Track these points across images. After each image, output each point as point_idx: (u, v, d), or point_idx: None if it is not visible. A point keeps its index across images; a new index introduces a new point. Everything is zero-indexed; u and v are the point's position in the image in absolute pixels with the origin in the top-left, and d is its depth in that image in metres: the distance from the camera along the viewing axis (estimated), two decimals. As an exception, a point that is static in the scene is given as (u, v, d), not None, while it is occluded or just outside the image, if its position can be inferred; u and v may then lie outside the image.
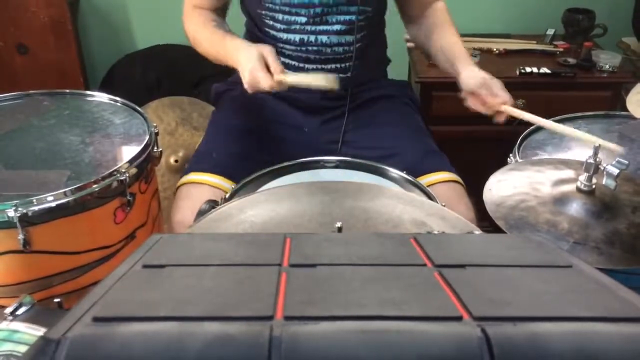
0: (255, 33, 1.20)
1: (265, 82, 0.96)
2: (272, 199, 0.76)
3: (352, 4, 1.12)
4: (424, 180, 1.08)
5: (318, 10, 1.11)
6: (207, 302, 0.34)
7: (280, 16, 1.13)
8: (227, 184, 1.09)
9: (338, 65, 1.17)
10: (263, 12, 1.14)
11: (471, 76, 1.10)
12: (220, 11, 1.20)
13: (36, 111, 1.20)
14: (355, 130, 1.20)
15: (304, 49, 1.14)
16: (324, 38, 1.13)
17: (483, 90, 1.07)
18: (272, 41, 1.16)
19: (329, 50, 1.15)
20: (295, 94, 1.21)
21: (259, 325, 0.31)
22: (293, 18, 1.12)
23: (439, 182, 1.10)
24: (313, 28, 1.13)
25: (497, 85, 1.07)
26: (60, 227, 0.93)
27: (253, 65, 0.97)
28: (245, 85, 1.01)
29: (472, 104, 1.10)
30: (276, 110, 1.22)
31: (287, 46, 1.15)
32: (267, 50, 1.00)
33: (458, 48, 1.18)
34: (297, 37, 1.14)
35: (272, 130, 1.20)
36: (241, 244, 0.46)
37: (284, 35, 1.14)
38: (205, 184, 1.09)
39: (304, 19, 1.12)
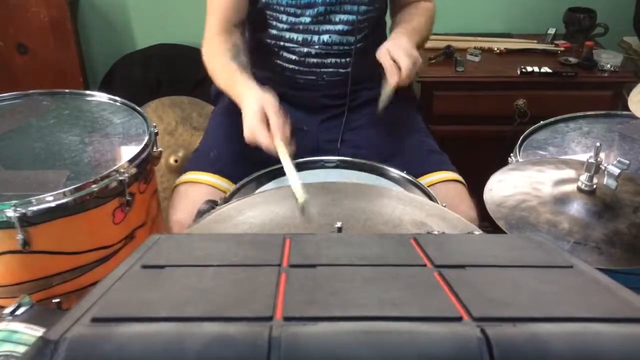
0: (256, 35, 1.20)
1: (262, 141, 0.91)
2: (271, 200, 0.76)
3: (355, 3, 1.12)
4: (426, 179, 1.08)
5: (322, 9, 1.11)
6: (206, 303, 0.34)
7: (284, 17, 1.13)
8: (224, 184, 1.09)
9: (338, 60, 1.17)
10: (268, 12, 1.14)
11: (393, 42, 1.07)
12: (240, 27, 1.17)
13: (36, 111, 1.20)
14: (355, 129, 1.20)
15: (305, 47, 1.15)
16: (325, 37, 1.13)
17: (386, 51, 1.03)
18: (274, 40, 1.16)
19: (330, 48, 1.15)
20: (295, 92, 1.20)
21: (259, 325, 0.31)
22: (298, 19, 1.12)
23: (441, 182, 1.10)
24: (316, 27, 1.13)
25: (400, 54, 1.01)
26: (60, 227, 0.93)
27: (253, 124, 0.93)
28: (245, 137, 0.96)
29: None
30: None
31: (289, 44, 1.15)
32: (269, 103, 0.94)
33: (407, 21, 1.16)
34: (300, 37, 1.14)
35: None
36: (241, 245, 0.46)
37: (287, 34, 1.14)
38: (202, 183, 1.09)
39: (307, 19, 1.12)
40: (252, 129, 0.93)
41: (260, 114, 0.93)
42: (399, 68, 1.00)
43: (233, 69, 1.07)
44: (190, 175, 1.11)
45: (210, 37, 1.14)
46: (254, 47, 1.24)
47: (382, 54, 1.04)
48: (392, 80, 1.02)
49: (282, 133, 0.91)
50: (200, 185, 1.09)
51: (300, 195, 0.77)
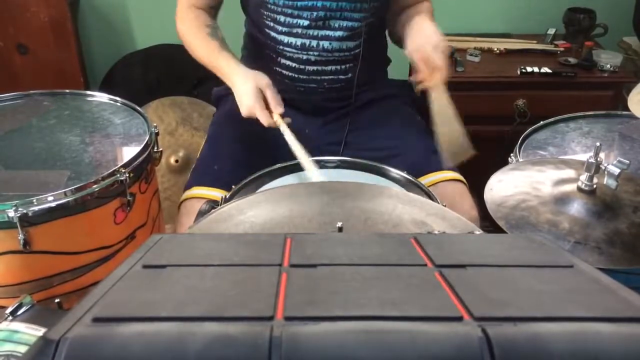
0: (255, 34, 1.20)
1: (264, 120, 0.96)
2: (272, 199, 0.76)
3: (354, 10, 1.11)
4: (428, 179, 1.08)
5: (321, 14, 1.10)
6: (207, 303, 0.34)
7: (282, 18, 1.12)
8: None
9: (339, 67, 1.16)
10: (265, 12, 1.13)
11: (420, 34, 1.03)
12: (214, 10, 1.19)
13: (36, 111, 1.20)
14: (356, 131, 1.20)
15: (304, 53, 1.14)
16: (325, 44, 1.12)
17: (426, 48, 1.00)
18: (273, 43, 1.15)
19: (330, 55, 1.14)
20: (295, 97, 1.20)
21: (259, 325, 0.31)
22: (295, 21, 1.11)
23: (442, 181, 1.10)
24: (315, 32, 1.12)
25: (438, 52, 0.99)
26: (60, 227, 0.93)
27: (252, 104, 0.97)
28: (243, 115, 1.01)
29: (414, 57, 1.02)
30: None
31: (288, 49, 1.14)
32: (265, 84, 0.99)
33: (422, 16, 1.12)
34: (298, 41, 1.13)
35: (273, 134, 1.20)
36: (241, 244, 0.46)
37: (285, 38, 1.14)
38: (207, 199, 1.08)
39: (306, 22, 1.11)
40: (251, 108, 0.98)
41: (256, 92, 0.97)
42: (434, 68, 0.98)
43: (214, 45, 1.09)
44: (195, 191, 1.11)
45: (183, 10, 1.15)
46: (253, 53, 1.24)
47: (417, 58, 1.00)
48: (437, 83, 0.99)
49: (280, 109, 0.96)
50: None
51: (311, 168, 0.83)
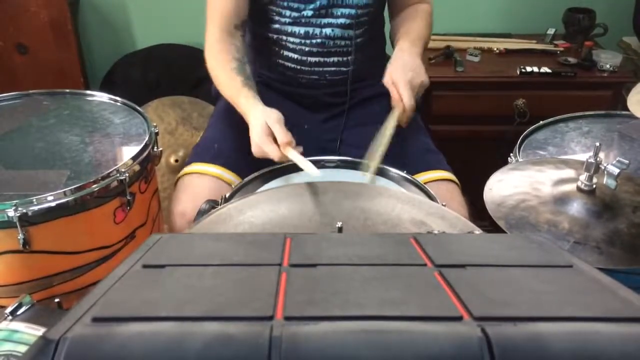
0: (257, 30, 1.20)
1: (272, 155, 0.95)
2: (271, 200, 0.76)
3: None
4: (420, 178, 1.08)
5: (324, 2, 1.12)
6: (207, 302, 0.34)
7: (287, 12, 1.14)
8: (228, 175, 1.09)
9: (339, 59, 1.17)
10: (272, 8, 1.14)
11: (395, 63, 1.09)
12: (239, 31, 1.17)
13: (36, 111, 1.20)
14: (354, 128, 1.21)
15: (307, 41, 1.15)
16: (328, 31, 1.14)
17: (390, 80, 1.07)
18: (276, 35, 1.16)
19: (331, 43, 1.15)
20: (297, 90, 1.21)
21: (259, 325, 0.31)
22: (300, 13, 1.13)
23: (434, 180, 1.10)
24: (318, 21, 1.14)
25: (406, 84, 1.05)
26: (60, 227, 0.93)
27: (258, 141, 0.97)
28: (254, 154, 1.00)
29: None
30: (278, 106, 1.22)
31: (291, 39, 1.16)
32: (273, 119, 0.98)
33: (408, 29, 1.17)
34: (302, 30, 1.14)
35: None
36: (241, 244, 0.46)
37: (289, 28, 1.15)
38: (206, 175, 1.09)
39: (310, 12, 1.13)
40: (259, 144, 0.96)
41: (265, 129, 0.96)
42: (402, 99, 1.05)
43: (237, 83, 1.08)
44: (194, 167, 1.11)
45: (211, 44, 1.13)
46: (256, 46, 1.24)
47: (387, 83, 1.08)
48: (397, 108, 1.06)
49: (286, 140, 0.95)
50: (204, 176, 1.09)
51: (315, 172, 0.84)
